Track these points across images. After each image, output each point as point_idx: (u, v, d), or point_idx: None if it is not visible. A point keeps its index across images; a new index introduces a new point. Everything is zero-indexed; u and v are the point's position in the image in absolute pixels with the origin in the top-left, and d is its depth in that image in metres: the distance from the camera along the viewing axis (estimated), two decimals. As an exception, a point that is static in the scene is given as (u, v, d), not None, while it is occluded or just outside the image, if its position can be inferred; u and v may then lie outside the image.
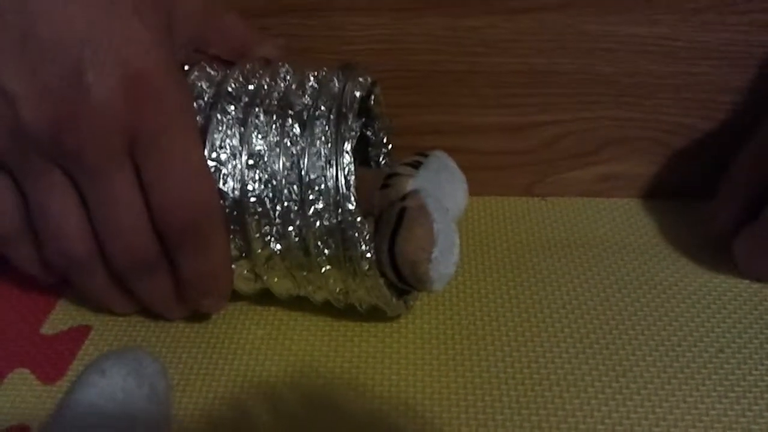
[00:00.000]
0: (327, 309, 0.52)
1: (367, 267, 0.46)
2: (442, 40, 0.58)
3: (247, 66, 0.50)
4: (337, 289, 0.49)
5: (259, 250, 0.47)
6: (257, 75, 0.50)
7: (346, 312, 0.52)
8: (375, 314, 0.51)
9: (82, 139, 0.41)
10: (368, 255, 0.45)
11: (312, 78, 0.49)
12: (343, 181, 0.45)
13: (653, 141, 0.61)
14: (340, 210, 0.45)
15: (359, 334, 0.52)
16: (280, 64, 0.50)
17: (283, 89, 0.49)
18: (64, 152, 0.42)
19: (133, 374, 0.41)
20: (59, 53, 0.40)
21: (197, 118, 0.46)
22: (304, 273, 0.48)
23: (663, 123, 0.60)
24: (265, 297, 0.53)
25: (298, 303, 0.53)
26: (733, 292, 0.54)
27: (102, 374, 0.40)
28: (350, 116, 0.46)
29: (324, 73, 0.49)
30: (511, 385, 0.47)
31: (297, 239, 0.46)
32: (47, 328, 0.53)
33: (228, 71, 0.49)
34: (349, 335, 0.52)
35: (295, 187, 0.45)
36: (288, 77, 0.50)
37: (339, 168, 0.45)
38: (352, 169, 0.45)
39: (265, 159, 0.46)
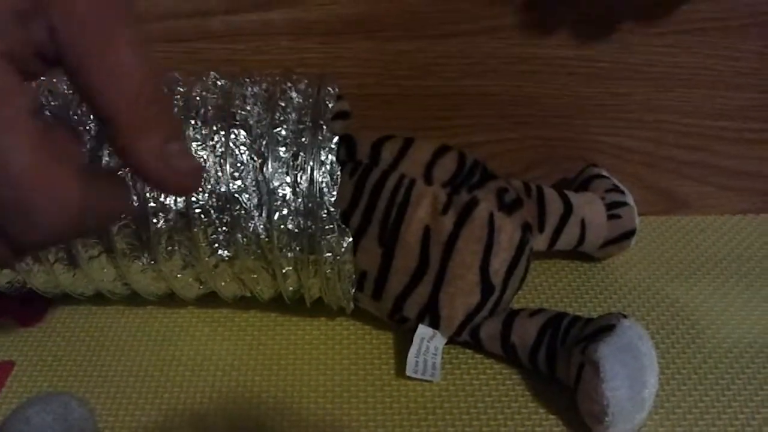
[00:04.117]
0: (252, 332, 0.53)
1: (329, 270, 0.47)
2: (371, 64, 0.58)
3: (169, 75, 0.50)
4: (290, 289, 0.50)
5: (207, 258, 0.47)
6: (180, 85, 0.49)
7: (273, 333, 0.53)
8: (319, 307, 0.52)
9: None
10: (332, 259, 0.47)
11: (259, 90, 0.49)
12: (317, 190, 0.45)
13: (579, 160, 0.62)
14: (312, 216, 0.45)
15: (285, 357, 0.51)
16: (212, 74, 0.50)
17: (219, 100, 0.48)
18: None
19: (60, 420, 0.39)
20: None
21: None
22: (254, 276, 0.48)
23: (588, 142, 0.62)
24: (196, 321, 0.52)
25: (222, 328, 0.53)
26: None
27: (27, 422, 0.39)
28: (325, 127, 0.46)
29: (287, 85, 0.49)
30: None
31: (250, 245, 0.46)
32: (-34, 365, 0.50)
33: None
34: (275, 358, 0.51)
35: (245, 195, 0.45)
36: (221, 88, 0.49)
37: (315, 174, 0.46)
38: (330, 178, 0.46)
39: (207, 169, 0.46)
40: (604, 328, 0.45)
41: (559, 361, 0.46)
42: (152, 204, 0.46)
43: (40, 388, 0.49)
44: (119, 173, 0.45)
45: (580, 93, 0.59)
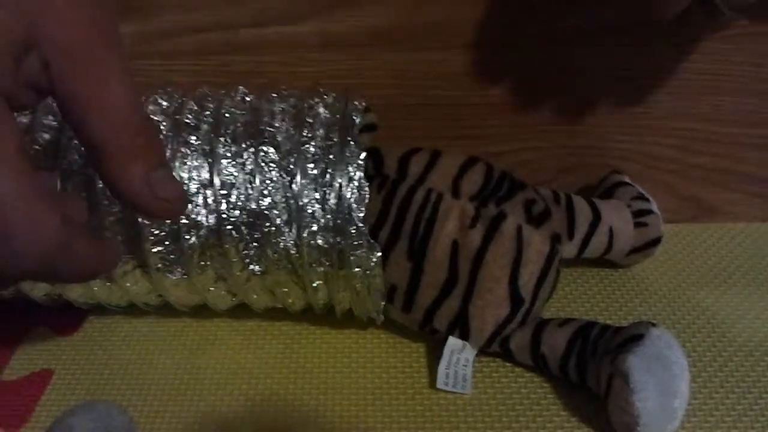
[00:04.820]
0: (283, 341, 0.54)
1: (359, 285, 0.48)
2: (398, 74, 0.58)
3: (198, 91, 0.51)
4: (321, 302, 0.51)
5: (239, 273, 0.48)
6: (210, 101, 0.50)
7: (304, 342, 0.54)
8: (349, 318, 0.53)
9: None
10: (361, 273, 0.48)
11: (287, 106, 0.50)
12: (346, 206, 0.46)
13: (607, 168, 0.62)
14: (341, 232, 0.46)
15: (316, 366, 0.52)
16: (240, 89, 0.51)
17: (248, 116, 0.49)
18: None
19: (102, 428, 0.40)
20: None
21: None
22: (285, 289, 0.50)
23: (616, 150, 0.62)
24: (228, 330, 0.54)
25: (255, 337, 0.54)
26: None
27: (70, 430, 0.39)
28: (353, 142, 0.47)
29: (314, 101, 0.50)
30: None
31: (280, 260, 0.47)
32: (8, 374, 0.52)
33: (182, 99, 0.50)
34: (308, 367, 0.52)
35: (274, 211, 0.46)
36: (250, 104, 0.50)
37: (343, 190, 0.46)
38: (358, 194, 0.46)
39: (238, 186, 0.47)
40: (633, 337, 0.45)
41: (590, 371, 0.47)
42: (184, 221, 0.47)
43: (78, 396, 0.50)
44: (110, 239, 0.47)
45: (607, 101, 0.59)
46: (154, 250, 0.48)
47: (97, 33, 0.37)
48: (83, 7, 0.37)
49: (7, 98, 0.34)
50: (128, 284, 0.50)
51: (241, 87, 0.51)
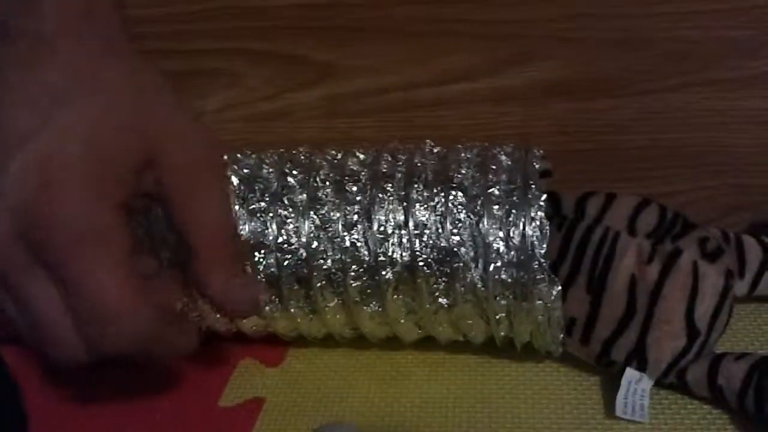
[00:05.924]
0: (468, 372, 0.58)
1: (540, 317, 0.52)
2: (567, 124, 0.62)
3: (390, 145, 0.57)
4: (502, 334, 0.55)
5: (428, 305, 0.53)
6: (401, 153, 0.56)
7: (488, 374, 0.58)
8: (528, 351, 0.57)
9: None
10: (543, 306, 0.51)
11: (472, 155, 0.55)
12: (529, 243, 0.50)
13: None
14: (524, 267, 0.50)
15: (501, 396, 0.55)
16: (428, 142, 0.57)
17: (436, 165, 0.55)
18: None
19: None
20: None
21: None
22: (469, 322, 0.54)
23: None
24: (415, 362, 0.58)
25: (441, 369, 0.59)
26: None
27: None
28: (534, 186, 0.52)
29: (495, 150, 0.55)
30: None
31: (467, 293, 0.52)
32: (223, 401, 0.58)
33: (377, 152, 0.56)
34: (493, 397, 0.55)
35: (462, 249, 0.51)
36: (437, 154, 0.56)
37: (526, 229, 0.51)
38: (540, 232, 0.50)
39: (429, 227, 0.52)
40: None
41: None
42: (381, 258, 0.52)
43: (289, 423, 0.56)
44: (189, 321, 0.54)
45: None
46: (354, 284, 0.53)
47: (206, 159, 0.47)
48: (198, 135, 0.46)
49: (126, 204, 0.43)
50: (329, 317, 0.56)
51: (428, 140, 0.57)
